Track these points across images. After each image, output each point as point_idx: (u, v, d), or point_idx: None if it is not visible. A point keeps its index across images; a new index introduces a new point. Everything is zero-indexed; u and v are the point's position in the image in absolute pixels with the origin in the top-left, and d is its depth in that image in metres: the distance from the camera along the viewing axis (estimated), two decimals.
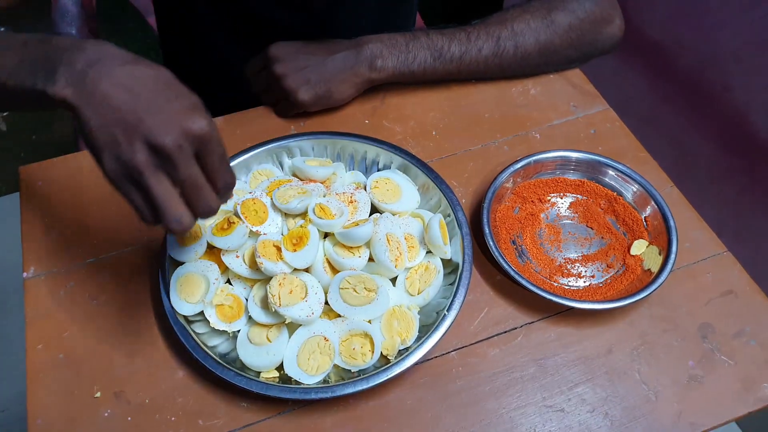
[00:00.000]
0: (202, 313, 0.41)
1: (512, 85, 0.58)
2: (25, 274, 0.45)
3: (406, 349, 0.40)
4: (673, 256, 0.44)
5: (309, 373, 0.38)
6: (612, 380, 0.41)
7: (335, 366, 0.40)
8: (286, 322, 0.40)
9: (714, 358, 0.42)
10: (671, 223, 0.46)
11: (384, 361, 0.39)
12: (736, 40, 0.78)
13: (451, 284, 0.42)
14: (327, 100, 0.53)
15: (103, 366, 0.41)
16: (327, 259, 0.43)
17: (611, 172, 0.49)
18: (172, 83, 0.32)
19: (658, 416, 0.40)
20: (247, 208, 0.43)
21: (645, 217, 0.48)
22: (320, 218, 0.42)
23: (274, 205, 0.44)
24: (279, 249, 0.41)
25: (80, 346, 0.42)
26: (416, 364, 0.38)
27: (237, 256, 0.42)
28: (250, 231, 0.43)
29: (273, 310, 0.39)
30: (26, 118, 1.29)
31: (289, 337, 0.40)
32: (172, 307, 0.40)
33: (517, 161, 0.49)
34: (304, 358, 0.39)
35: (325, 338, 0.39)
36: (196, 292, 0.41)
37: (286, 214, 0.44)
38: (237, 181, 0.38)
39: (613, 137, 0.55)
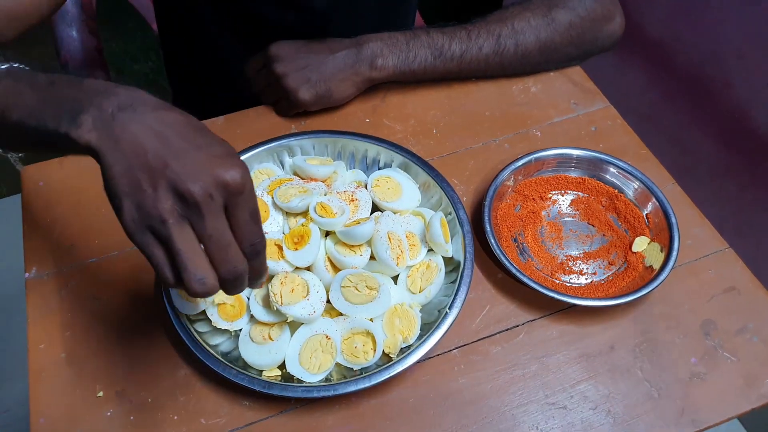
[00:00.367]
0: (203, 312, 0.41)
1: (513, 83, 0.58)
2: (26, 275, 0.45)
3: (408, 347, 0.40)
4: (674, 253, 0.44)
5: (311, 372, 0.38)
6: (614, 377, 0.41)
7: (337, 364, 0.40)
8: (288, 321, 0.40)
9: (716, 355, 0.42)
10: (673, 219, 0.46)
11: (386, 360, 0.39)
12: (737, 36, 0.78)
13: (453, 282, 0.42)
14: (327, 100, 0.53)
15: (105, 365, 0.41)
16: (328, 257, 0.43)
17: (612, 170, 0.49)
18: (205, 130, 0.29)
19: (660, 413, 0.40)
20: None
21: (646, 214, 0.48)
22: (321, 217, 0.42)
23: (275, 204, 0.44)
24: (280, 248, 0.41)
25: (82, 345, 0.42)
26: (418, 362, 0.38)
27: None
28: None
29: (275, 308, 0.39)
30: None
31: (291, 336, 0.40)
32: (174, 307, 0.40)
33: (518, 159, 0.49)
34: (306, 356, 0.39)
35: (326, 336, 0.39)
36: None
37: (287, 213, 0.44)
38: None
39: (614, 134, 0.54)
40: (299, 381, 0.38)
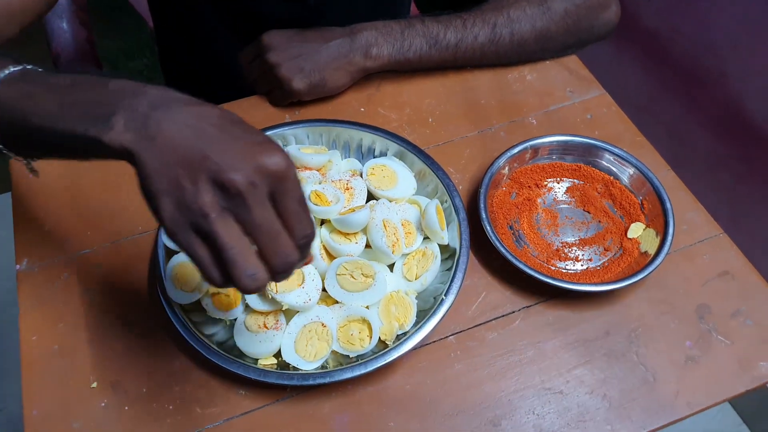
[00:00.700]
0: (198, 301, 0.41)
1: (508, 71, 0.57)
2: (18, 266, 0.45)
3: (404, 334, 0.39)
4: (669, 238, 0.44)
5: (307, 360, 0.38)
6: (610, 362, 0.41)
7: (333, 352, 0.40)
8: (284, 309, 0.40)
9: (711, 339, 0.42)
10: (668, 205, 0.46)
11: (382, 346, 0.39)
12: (732, 26, 0.78)
13: (449, 269, 0.42)
14: (321, 89, 0.53)
15: (98, 356, 0.41)
16: (324, 245, 0.42)
17: (608, 156, 0.49)
18: (242, 122, 0.28)
19: (656, 396, 0.40)
20: None
21: (641, 200, 0.48)
22: (316, 205, 0.42)
23: None
24: None
25: (75, 336, 0.41)
26: (414, 348, 0.38)
27: None
28: None
29: (270, 296, 0.39)
30: None
31: (287, 324, 0.40)
32: (168, 297, 0.40)
33: (513, 147, 0.49)
34: (301, 344, 0.39)
35: (322, 324, 0.39)
36: (192, 281, 0.41)
37: None
38: None
39: (609, 122, 0.54)
40: (295, 369, 0.38)
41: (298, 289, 0.39)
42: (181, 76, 0.71)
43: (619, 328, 0.43)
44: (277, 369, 0.38)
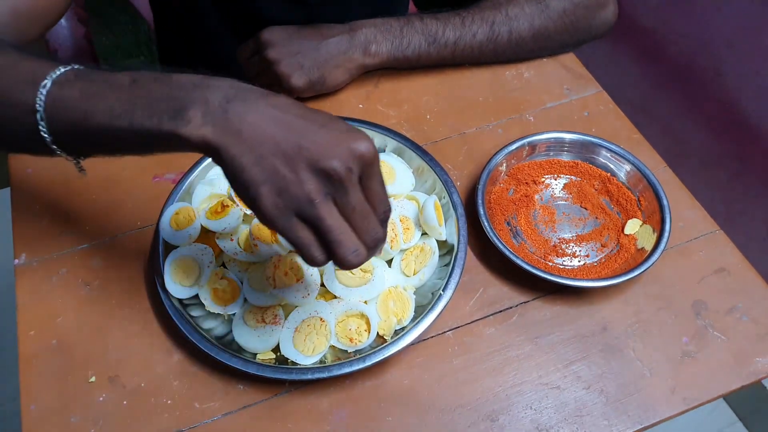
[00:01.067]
0: (196, 296, 0.41)
1: (506, 68, 0.58)
2: (16, 261, 0.44)
3: (402, 329, 0.40)
4: (666, 234, 0.44)
5: (305, 354, 0.38)
6: (607, 357, 0.41)
7: (332, 347, 0.40)
8: (282, 304, 0.40)
9: (707, 335, 0.43)
10: (664, 202, 0.46)
11: (380, 342, 0.39)
12: (729, 26, 0.78)
13: (447, 265, 0.42)
14: (320, 86, 0.53)
15: (97, 351, 0.41)
16: None
17: (605, 153, 0.50)
18: (316, 110, 0.29)
19: (652, 392, 0.40)
20: None
21: (638, 197, 0.48)
22: None
23: None
24: (274, 231, 0.41)
25: (74, 331, 0.41)
26: (412, 343, 0.39)
27: (231, 240, 0.42)
28: (245, 214, 0.42)
29: (269, 292, 0.39)
30: None
31: (285, 319, 0.40)
32: (167, 291, 0.40)
33: (511, 143, 0.49)
34: (300, 339, 0.39)
35: (321, 319, 0.39)
36: (191, 275, 0.41)
37: None
38: None
39: (606, 119, 0.55)
40: (294, 364, 0.38)
41: (296, 284, 0.39)
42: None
43: (616, 323, 0.43)
44: (275, 364, 0.38)
